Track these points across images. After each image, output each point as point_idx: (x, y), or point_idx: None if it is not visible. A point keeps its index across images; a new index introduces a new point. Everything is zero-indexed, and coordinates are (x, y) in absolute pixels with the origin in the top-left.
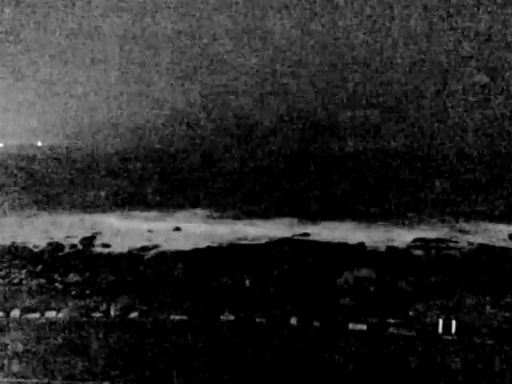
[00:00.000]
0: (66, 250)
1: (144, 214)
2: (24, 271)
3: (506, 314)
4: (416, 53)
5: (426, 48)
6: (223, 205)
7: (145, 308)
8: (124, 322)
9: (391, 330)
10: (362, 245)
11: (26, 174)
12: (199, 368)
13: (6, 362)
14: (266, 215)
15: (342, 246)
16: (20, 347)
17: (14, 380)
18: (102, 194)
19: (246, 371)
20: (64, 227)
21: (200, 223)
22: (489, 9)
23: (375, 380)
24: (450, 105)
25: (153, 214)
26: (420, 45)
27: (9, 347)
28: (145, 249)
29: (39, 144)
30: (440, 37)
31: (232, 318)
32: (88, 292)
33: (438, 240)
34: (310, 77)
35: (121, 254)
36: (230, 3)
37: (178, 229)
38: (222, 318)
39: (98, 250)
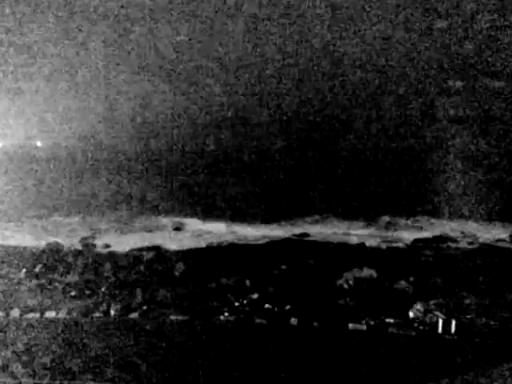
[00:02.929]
0: (66, 249)
1: None
2: (24, 271)
3: (506, 314)
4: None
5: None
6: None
7: (145, 308)
8: (124, 321)
9: (391, 329)
10: (362, 245)
11: (26, 174)
12: (199, 368)
13: (5, 362)
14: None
15: (342, 247)
16: (20, 347)
17: (14, 380)
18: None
19: (246, 371)
20: (64, 227)
21: None
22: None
23: (375, 379)
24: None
25: None
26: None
27: (9, 347)
28: None
29: (39, 144)
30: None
31: (232, 318)
32: (88, 292)
33: (438, 240)
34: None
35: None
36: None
37: (178, 229)
38: (222, 318)
39: (99, 249)
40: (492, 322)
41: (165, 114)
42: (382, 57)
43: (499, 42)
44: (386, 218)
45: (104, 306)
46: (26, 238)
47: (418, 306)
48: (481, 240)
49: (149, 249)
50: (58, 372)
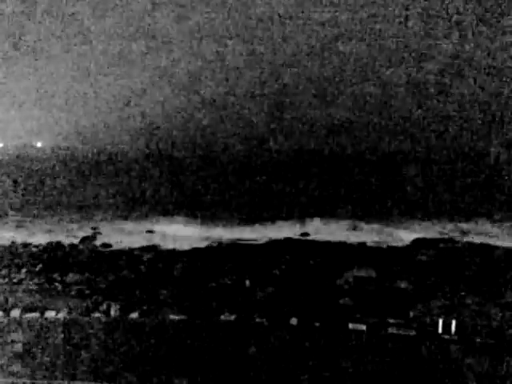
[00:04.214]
0: (66, 249)
1: None
2: (24, 271)
3: (506, 314)
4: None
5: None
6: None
7: (145, 308)
8: (124, 321)
9: (391, 329)
10: (362, 245)
11: (26, 174)
12: (199, 368)
13: (6, 361)
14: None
15: (342, 246)
16: (20, 347)
17: (13, 380)
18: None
19: (246, 371)
20: (64, 227)
21: None
22: None
23: (375, 380)
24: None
25: None
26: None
27: (9, 347)
28: None
29: (39, 144)
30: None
31: (232, 318)
32: (88, 292)
33: (437, 240)
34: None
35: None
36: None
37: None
38: (222, 318)
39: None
40: (492, 322)
41: (166, 115)
42: None
43: None
44: (386, 218)
45: (104, 306)
46: (26, 237)
47: (418, 306)
48: (480, 240)
49: (149, 249)
50: (58, 372)
